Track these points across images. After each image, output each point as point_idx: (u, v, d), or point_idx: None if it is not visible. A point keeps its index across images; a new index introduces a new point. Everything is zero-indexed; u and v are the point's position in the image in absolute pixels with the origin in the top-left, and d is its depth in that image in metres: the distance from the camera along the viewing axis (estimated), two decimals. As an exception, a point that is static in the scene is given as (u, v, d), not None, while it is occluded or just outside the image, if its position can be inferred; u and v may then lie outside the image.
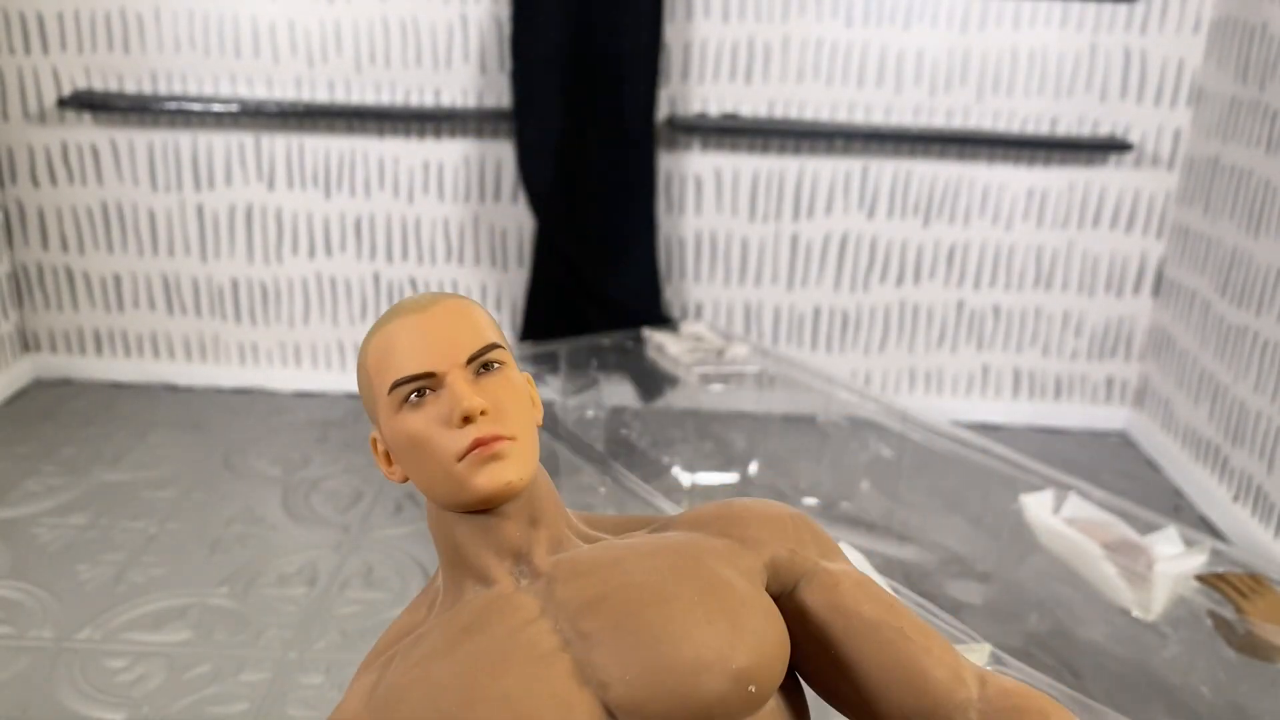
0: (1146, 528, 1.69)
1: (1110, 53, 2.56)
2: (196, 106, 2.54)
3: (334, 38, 2.57)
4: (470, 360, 0.41)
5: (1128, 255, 2.73)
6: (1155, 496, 2.50)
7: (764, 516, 0.35)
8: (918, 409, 2.47)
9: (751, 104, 2.62)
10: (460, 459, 0.40)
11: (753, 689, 0.20)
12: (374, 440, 0.45)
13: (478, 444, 0.38)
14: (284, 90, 2.61)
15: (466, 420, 0.38)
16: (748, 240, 2.74)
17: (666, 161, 2.67)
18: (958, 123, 2.62)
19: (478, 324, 0.43)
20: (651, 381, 2.50)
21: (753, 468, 2.21)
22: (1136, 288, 2.76)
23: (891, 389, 2.86)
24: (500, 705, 0.30)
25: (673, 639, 0.23)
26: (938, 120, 2.62)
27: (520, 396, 0.40)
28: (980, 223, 2.71)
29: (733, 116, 2.62)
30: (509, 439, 0.39)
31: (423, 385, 0.40)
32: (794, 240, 2.73)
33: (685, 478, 2.14)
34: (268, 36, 2.57)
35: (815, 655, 0.24)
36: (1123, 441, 2.82)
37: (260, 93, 2.61)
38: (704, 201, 2.70)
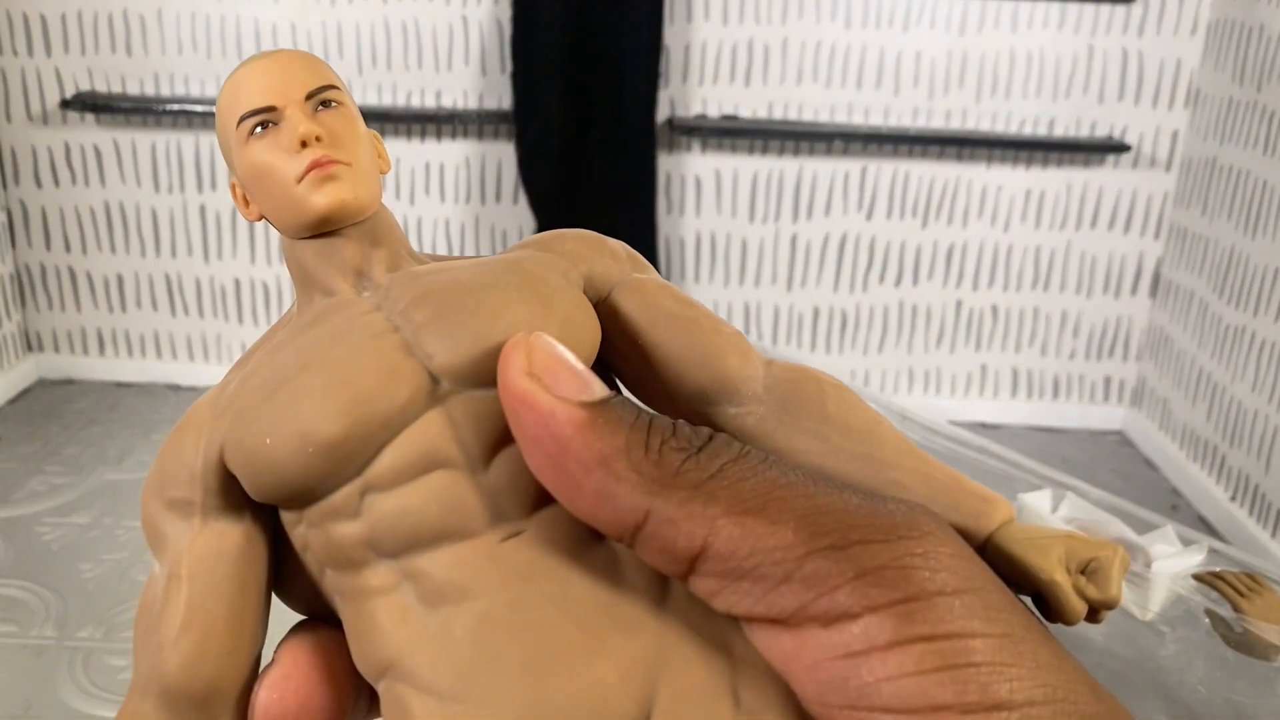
0: (1144, 527, 1.70)
1: (1108, 54, 2.58)
2: (199, 108, 2.55)
3: (336, 40, 2.58)
4: (309, 97, 0.45)
5: (1125, 256, 2.74)
6: (1153, 496, 2.51)
7: (580, 235, 0.39)
8: (916, 408, 2.48)
9: (751, 106, 2.63)
10: (299, 180, 0.43)
11: None
12: (233, 185, 0.49)
13: (314, 165, 0.41)
14: (286, 91, 2.62)
15: (304, 145, 0.41)
16: (747, 241, 2.75)
17: (666, 163, 2.68)
18: (956, 124, 2.63)
19: (318, 68, 0.47)
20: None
21: (752, 467, 2.22)
22: (1134, 288, 2.77)
23: (890, 389, 2.87)
24: (330, 366, 0.33)
25: (490, 314, 0.26)
26: (936, 122, 2.64)
27: (357, 133, 0.43)
28: (978, 223, 2.72)
29: (732, 118, 2.63)
30: (344, 163, 0.43)
31: (265, 119, 0.43)
32: (793, 241, 2.75)
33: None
34: (270, 39, 2.58)
35: (625, 350, 0.27)
36: (1120, 441, 2.83)
37: (262, 94, 2.62)
38: (704, 202, 2.72)
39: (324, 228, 0.38)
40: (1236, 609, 1.27)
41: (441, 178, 2.69)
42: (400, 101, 2.62)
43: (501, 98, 2.62)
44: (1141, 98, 2.61)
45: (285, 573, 0.23)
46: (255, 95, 0.41)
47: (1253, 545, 2.21)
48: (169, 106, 2.55)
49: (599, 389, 0.20)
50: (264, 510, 0.22)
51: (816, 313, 2.81)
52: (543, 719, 0.19)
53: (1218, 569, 1.36)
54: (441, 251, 2.75)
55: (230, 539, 0.22)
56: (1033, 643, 0.17)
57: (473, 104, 2.63)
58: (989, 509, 0.23)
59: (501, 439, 0.22)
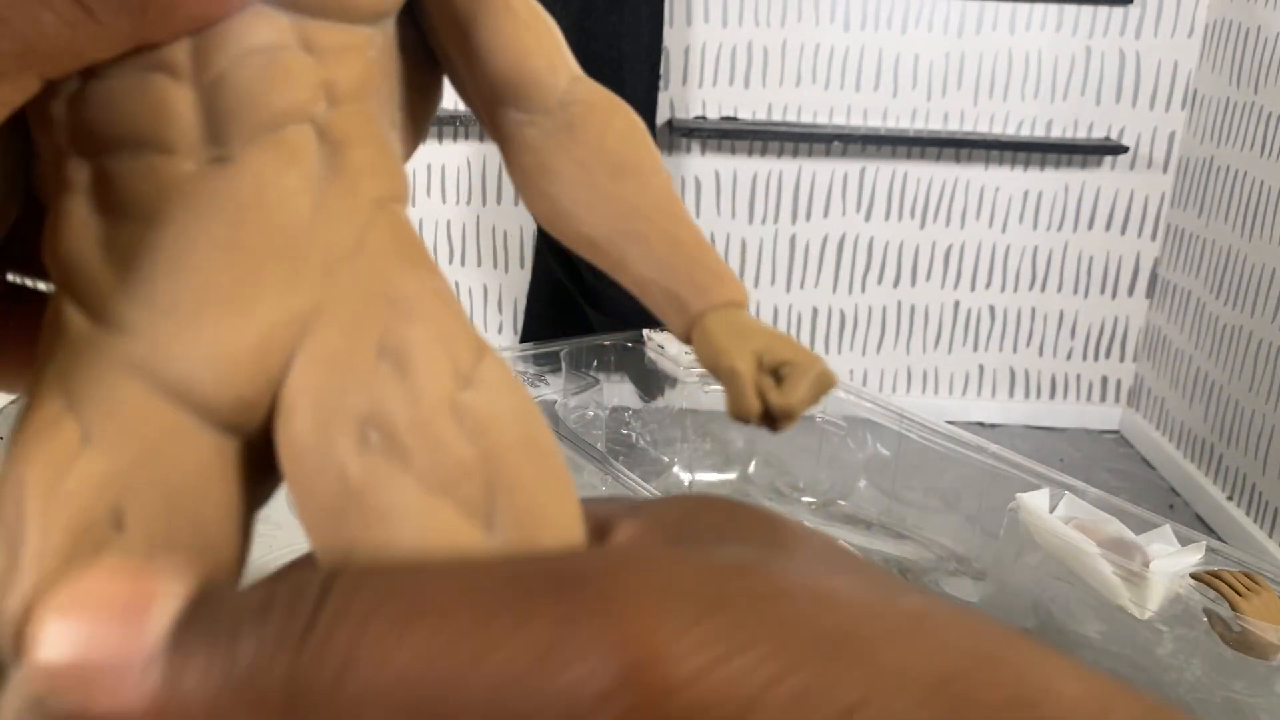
0: (1142, 526, 1.70)
1: (1105, 56, 2.59)
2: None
3: (336, 41, 2.59)
4: None
5: (1122, 256, 2.75)
6: (1150, 495, 2.52)
7: None
8: (915, 408, 2.49)
9: (750, 107, 2.64)
10: None
11: None
12: None
13: None
14: (286, 93, 2.62)
15: None
16: (746, 242, 2.76)
17: (666, 164, 2.68)
18: (954, 126, 2.64)
19: None
20: (651, 381, 2.52)
21: (752, 466, 2.22)
22: (1131, 289, 2.79)
23: (889, 389, 2.88)
24: None
25: None
26: (934, 123, 2.65)
27: None
28: (976, 224, 2.74)
29: (732, 119, 2.64)
30: None
31: None
32: (792, 242, 2.75)
33: (685, 476, 2.15)
34: (270, 40, 2.58)
35: (440, 24, 0.24)
36: (1117, 440, 2.84)
37: (262, 95, 2.62)
38: (703, 203, 2.73)
39: None
40: (1234, 608, 1.28)
41: (443, 179, 2.69)
42: (400, 103, 2.63)
43: (501, 99, 2.63)
44: (1139, 99, 2.62)
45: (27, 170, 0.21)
46: None
47: (1250, 544, 2.22)
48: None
49: (155, 621, 0.14)
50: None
51: (815, 313, 2.82)
52: (168, 368, 0.18)
53: (1216, 568, 1.37)
54: (443, 255, 2.75)
55: None
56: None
57: (473, 105, 2.64)
58: (717, 286, 0.21)
59: (237, 58, 0.19)
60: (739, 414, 0.20)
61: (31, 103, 0.20)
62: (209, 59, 0.19)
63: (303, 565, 0.16)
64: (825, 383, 0.21)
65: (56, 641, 0.14)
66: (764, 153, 2.68)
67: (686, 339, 0.22)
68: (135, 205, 0.19)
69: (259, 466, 0.19)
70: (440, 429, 0.18)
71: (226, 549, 0.19)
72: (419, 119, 0.25)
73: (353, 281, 0.19)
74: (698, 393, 2.34)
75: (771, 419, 0.20)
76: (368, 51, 0.22)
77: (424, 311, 0.19)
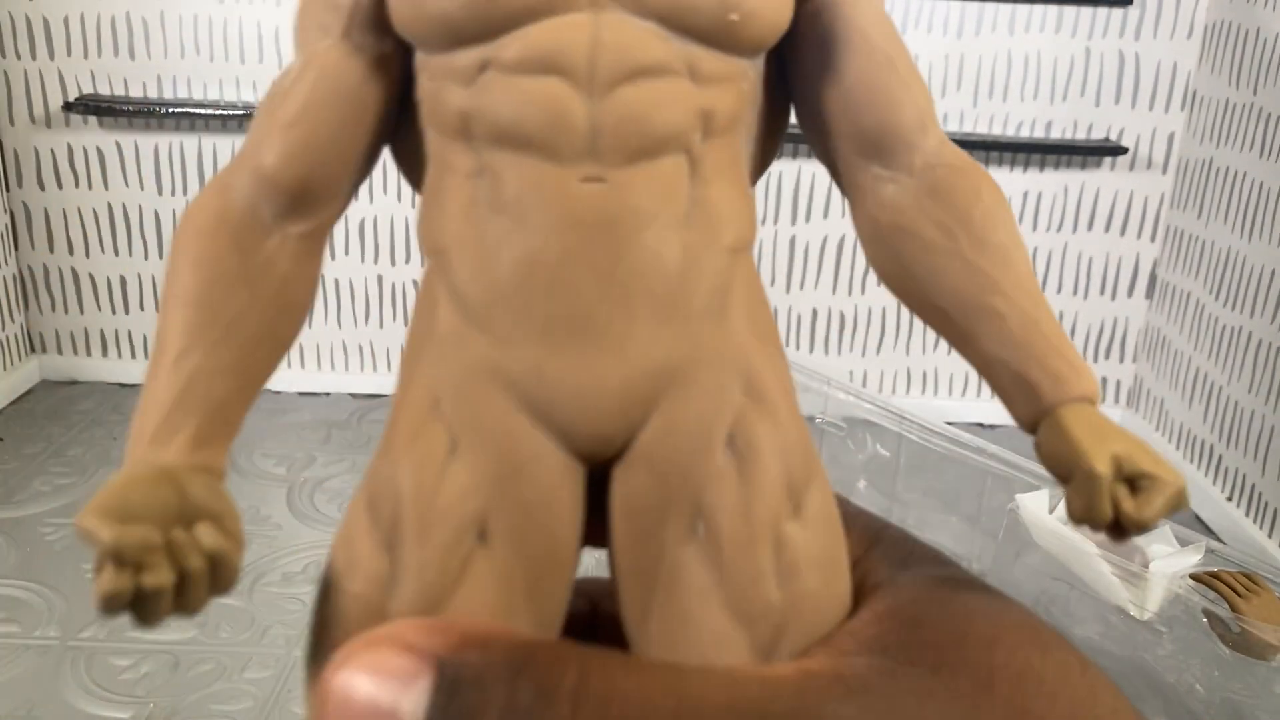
0: (1141, 527, 1.69)
1: (1105, 57, 2.59)
2: (201, 110, 2.56)
3: (337, 42, 2.59)
4: None
5: (1122, 257, 2.76)
6: (1150, 496, 2.52)
7: None
8: (915, 409, 2.49)
9: (750, 108, 2.64)
10: None
11: (734, 17, 0.19)
12: None
13: None
14: (287, 94, 2.62)
15: None
16: (747, 243, 2.76)
17: (666, 165, 2.69)
18: (954, 127, 2.64)
19: None
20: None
21: (752, 468, 2.22)
22: (1130, 290, 2.79)
23: (889, 389, 2.88)
24: None
25: None
26: (935, 124, 2.64)
27: None
28: (977, 225, 2.73)
29: (732, 120, 2.64)
30: None
31: None
32: (792, 243, 2.76)
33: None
34: (272, 41, 2.59)
35: (805, 62, 0.22)
36: (1118, 442, 2.84)
37: (263, 96, 2.63)
38: (703, 204, 2.73)
39: None
40: (1234, 609, 1.28)
41: (442, 180, 2.69)
42: (401, 104, 2.63)
43: (502, 100, 2.63)
44: (1138, 100, 2.62)
45: (403, 131, 0.22)
46: None
47: (1249, 545, 2.22)
48: (171, 109, 2.56)
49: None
50: (399, 58, 0.21)
51: (815, 314, 2.82)
52: (537, 390, 0.19)
53: (1215, 569, 1.37)
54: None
55: (361, 60, 0.21)
56: None
57: (473, 106, 2.64)
58: (1074, 378, 0.21)
59: (630, 76, 0.19)
60: (1087, 518, 0.20)
61: (425, 84, 0.20)
62: (604, 71, 0.19)
63: (516, 669, 0.17)
64: (1180, 502, 0.20)
65: (341, 702, 0.17)
66: (764, 154, 2.68)
67: (1031, 428, 0.21)
68: (517, 206, 0.19)
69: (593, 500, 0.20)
70: (760, 559, 0.18)
71: (569, 568, 0.20)
72: (764, 158, 0.25)
73: (714, 347, 0.20)
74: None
75: (1118, 528, 0.20)
76: (742, 84, 0.22)
77: (773, 408, 0.20)
